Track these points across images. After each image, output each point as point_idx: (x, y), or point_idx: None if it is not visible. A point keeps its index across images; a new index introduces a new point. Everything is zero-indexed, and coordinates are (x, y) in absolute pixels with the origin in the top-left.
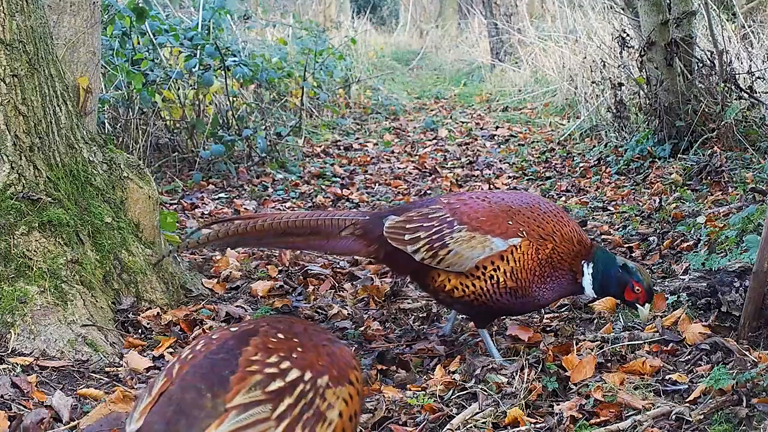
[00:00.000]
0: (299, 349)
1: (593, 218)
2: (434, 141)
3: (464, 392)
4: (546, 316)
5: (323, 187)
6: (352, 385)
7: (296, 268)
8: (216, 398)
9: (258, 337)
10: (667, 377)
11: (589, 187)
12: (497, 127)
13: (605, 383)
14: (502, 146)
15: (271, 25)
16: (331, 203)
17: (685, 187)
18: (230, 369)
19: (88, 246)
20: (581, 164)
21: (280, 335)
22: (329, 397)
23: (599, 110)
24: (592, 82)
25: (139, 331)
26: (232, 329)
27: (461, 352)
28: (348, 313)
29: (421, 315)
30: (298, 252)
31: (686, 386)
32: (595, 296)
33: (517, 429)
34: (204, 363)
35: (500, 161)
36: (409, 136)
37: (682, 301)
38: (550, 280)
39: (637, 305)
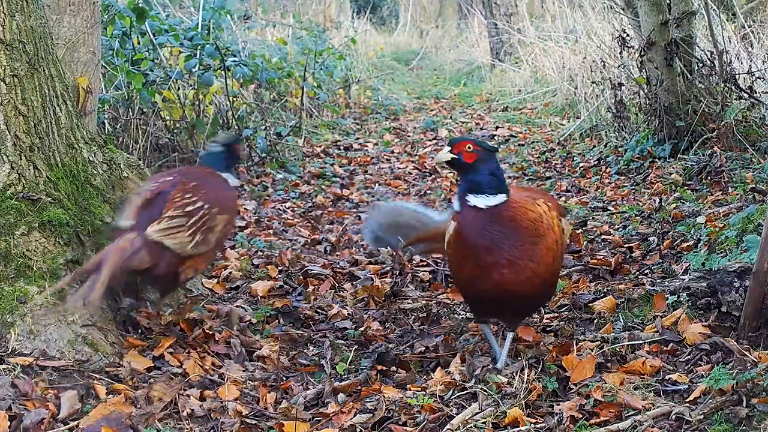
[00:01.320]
0: (202, 189)
1: (593, 218)
2: (434, 141)
3: (464, 392)
4: (546, 316)
5: (323, 187)
6: (230, 214)
7: (296, 268)
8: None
9: (179, 186)
10: (667, 377)
11: (589, 187)
12: (497, 127)
13: (605, 383)
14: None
15: (271, 25)
16: (331, 203)
17: (685, 187)
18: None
19: (88, 246)
20: (581, 164)
21: (193, 182)
22: (218, 219)
23: (599, 110)
24: (592, 82)
25: (139, 331)
26: (167, 179)
27: (461, 352)
28: (348, 313)
29: (421, 315)
30: (299, 251)
31: (686, 386)
32: (458, 204)
33: (517, 429)
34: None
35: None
36: (409, 136)
37: (682, 301)
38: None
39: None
